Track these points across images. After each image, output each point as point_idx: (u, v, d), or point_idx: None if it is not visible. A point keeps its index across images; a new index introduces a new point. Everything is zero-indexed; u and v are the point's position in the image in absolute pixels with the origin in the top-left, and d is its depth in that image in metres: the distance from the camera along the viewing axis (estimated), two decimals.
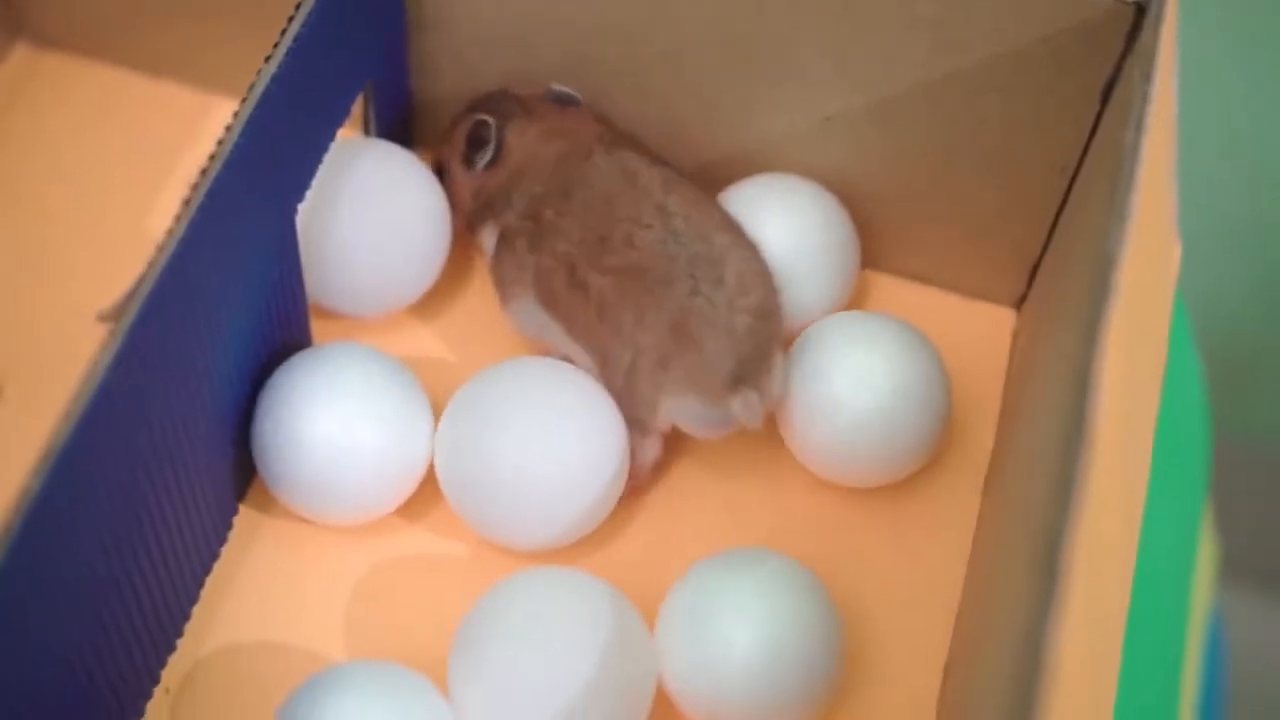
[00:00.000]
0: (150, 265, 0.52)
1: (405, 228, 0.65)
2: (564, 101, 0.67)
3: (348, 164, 0.64)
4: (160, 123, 0.72)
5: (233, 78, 0.72)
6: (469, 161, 0.66)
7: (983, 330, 0.70)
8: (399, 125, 0.70)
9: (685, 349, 0.60)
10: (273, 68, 0.56)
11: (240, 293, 0.58)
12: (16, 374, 0.65)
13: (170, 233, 0.53)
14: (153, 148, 0.72)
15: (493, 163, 0.66)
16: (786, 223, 0.65)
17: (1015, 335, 0.69)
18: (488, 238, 0.66)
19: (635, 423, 0.62)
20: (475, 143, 0.66)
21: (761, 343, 0.60)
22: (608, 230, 0.62)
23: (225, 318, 0.57)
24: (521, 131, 0.65)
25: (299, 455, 0.60)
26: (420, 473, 0.62)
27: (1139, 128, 0.53)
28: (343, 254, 0.64)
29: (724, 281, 0.60)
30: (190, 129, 0.72)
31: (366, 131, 0.68)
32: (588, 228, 0.62)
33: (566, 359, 0.63)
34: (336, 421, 0.60)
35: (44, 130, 0.72)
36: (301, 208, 0.61)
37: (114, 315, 0.66)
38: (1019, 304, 0.70)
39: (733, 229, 0.62)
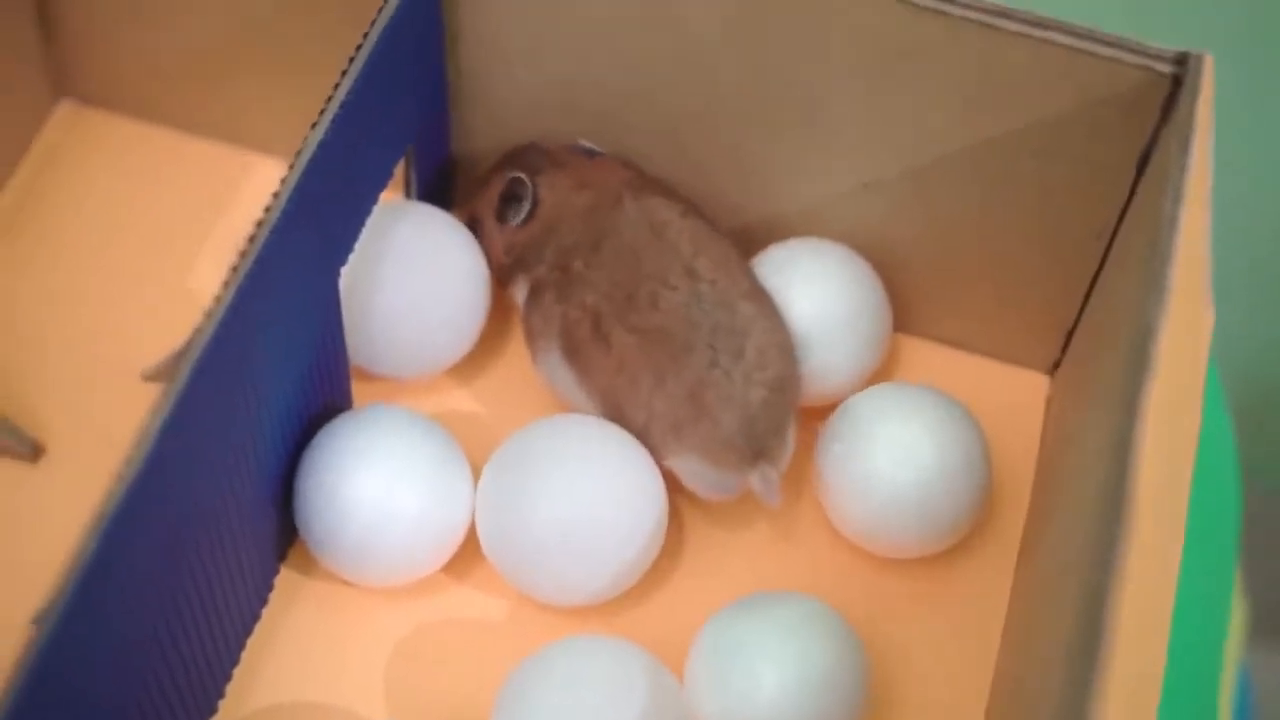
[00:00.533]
0: (199, 331, 0.52)
1: (447, 291, 0.66)
2: (590, 153, 0.67)
3: (389, 227, 0.65)
4: (201, 181, 0.73)
5: (273, 137, 0.73)
6: (503, 217, 0.67)
7: (1016, 395, 0.70)
8: (438, 187, 0.71)
9: (700, 419, 0.61)
10: (319, 134, 0.57)
11: (285, 356, 0.59)
12: (58, 431, 0.66)
13: (218, 299, 0.53)
14: (194, 206, 0.72)
15: (527, 218, 0.66)
16: (819, 289, 0.66)
17: (1049, 401, 0.70)
18: (519, 291, 0.67)
19: None
20: (511, 199, 0.66)
21: (776, 415, 0.61)
22: (635, 287, 0.62)
23: (271, 381, 0.58)
24: (552, 185, 0.66)
25: (340, 517, 0.60)
26: (461, 533, 0.62)
27: (1177, 198, 0.54)
28: (385, 317, 0.65)
29: (744, 355, 0.61)
30: (231, 188, 0.73)
31: (407, 194, 0.69)
32: (615, 282, 0.62)
33: (584, 411, 0.64)
34: (377, 484, 0.60)
35: (86, 188, 0.73)
36: (344, 270, 0.62)
37: (159, 375, 0.67)
38: (1053, 369, 0.70)
39: (758, 296, 0.63)
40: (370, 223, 0.63)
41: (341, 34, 0.62)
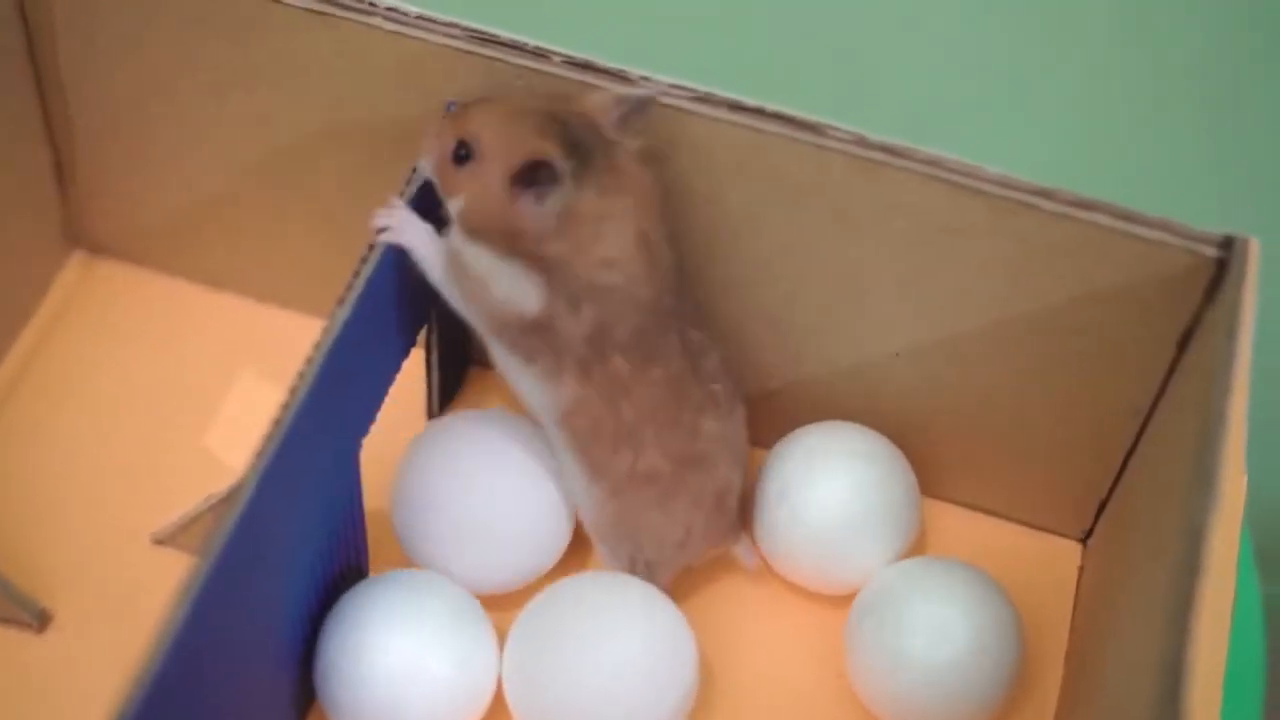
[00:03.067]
0: (227, 502, 0.52)
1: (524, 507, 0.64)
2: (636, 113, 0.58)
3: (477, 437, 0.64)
4: (216, 335, 0.72)
5: (289, 291, 0.72)
6: (522, 183, 0.57)
7: (1048, 563, 0.69)
8: (459, 351, 0.70)
9: (719, 520, 0.64)
10: (345, 311, 0.56)
11: (308, 526, 0.58)
12: (66, 596, 0.64)
13: (244, 480, 0.52)
14: (209, 362, 0.71)
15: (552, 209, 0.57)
16: (848, 481, 0.64)
17: (1081, 570, 0.68)
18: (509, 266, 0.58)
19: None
20: (535, 175, 0.56)
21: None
22: (678, 415, 0.61)
23: (294, 550, 0.57)
24: (609, 210, 0.57)
25: (363, 684, 0.59)
26: (486, 701, 0.61)
27: (1224, 391, 0.53)
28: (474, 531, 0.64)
29: (741, 462, 0.64)
30: (247, 343, 0.72)
31: (428, 355, 0.68)
32: (657, 408, 0.61)
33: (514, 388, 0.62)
34: (401, 650, 0.59)
35: (99, 340, 0.72)
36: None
37: (171, 539, 0.65)
38: (1085, 538, 0.69)
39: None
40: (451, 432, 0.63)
41: (361, 189, 0.61)
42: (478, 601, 0.62)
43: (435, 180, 0.59)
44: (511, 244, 0.57)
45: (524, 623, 0.61)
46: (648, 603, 0.61)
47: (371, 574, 0.64)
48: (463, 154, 0.58)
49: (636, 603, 0.61)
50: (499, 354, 0.61)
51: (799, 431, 0.67)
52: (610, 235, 0.57)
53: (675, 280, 0.60)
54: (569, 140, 0.56)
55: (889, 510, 0.65)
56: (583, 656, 0.59)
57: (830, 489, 0.64)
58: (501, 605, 0.63)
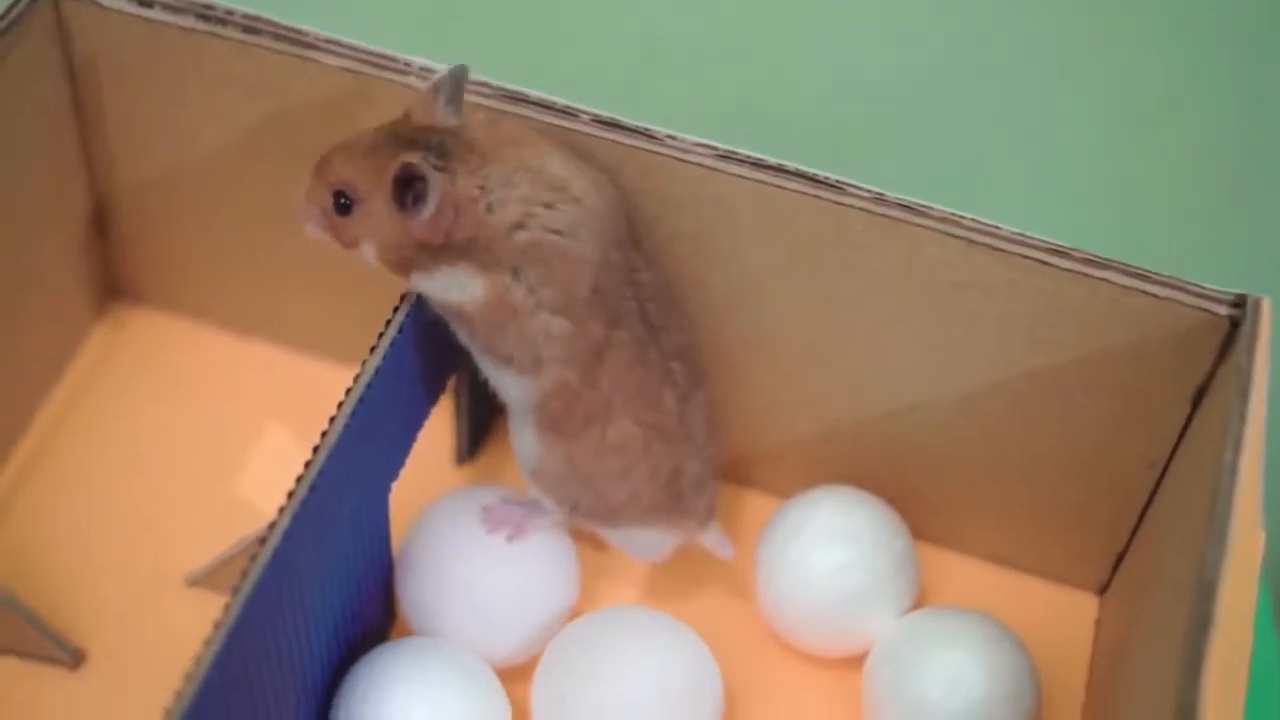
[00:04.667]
0: (260, 543, 0.53)
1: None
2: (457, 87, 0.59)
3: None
4: (251, 383, 0.73)
5: (324, 341, 0.74)
6: (402, 203, 0.58)
7: (1065, 615, 0.69)
8: (487, 397, 0.71)
9: (679, 500, 0.64)
10: (376, 360, 0.57)
11: (339, 568, 0.59)
12: (101, 636, 0.65)
13: (277, 521, 0.53)
14: (243, 409, 0.73)
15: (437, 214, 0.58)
16: (844, 552, 0.65)
17: (1099, 623, 0.69)
18: (447, 275, 0.59)
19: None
20: (411, 187, 0.58)
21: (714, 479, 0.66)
22: (645, 382, 0.61)
23: (325, 593, 0.58)
24: (473, 175, 0.58)
25: None
26: None
27: (1237, 448, 0.54)
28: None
29: (702, 438, 0.64)
30: (281, 391, 0.73)
31: (458, 402, 0.69)
32: (630, 376, 0.61)
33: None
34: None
35: (134, 386, 0.73)
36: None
37: (204, 580, 0.66)
38: (1102, 590, 0.70)
39: (701, 369, 0.65)
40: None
41: None
42: (490, 670, 0.62)
43: (329, 237, 0.60)
44: (432, 256, 0.58)
45: (554, 654, 0.62)
46: (675, 635, 0.63)
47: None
48: (344, 203, 0.59)
49: (664, 636, 0.63)
50: (485, 367, 0.62)
51: (794, 502, 0.67)
52: (501, 201, 0.58)
53: (614, 231, 0.60)
54: (420, 144, 0.58)
55: (896, 571, 0.65)
56: (613, 687, 0.61)
57: (830, 559, 0.65)
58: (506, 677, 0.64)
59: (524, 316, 0.59)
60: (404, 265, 0.59)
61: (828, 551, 0.65)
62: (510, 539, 0.64)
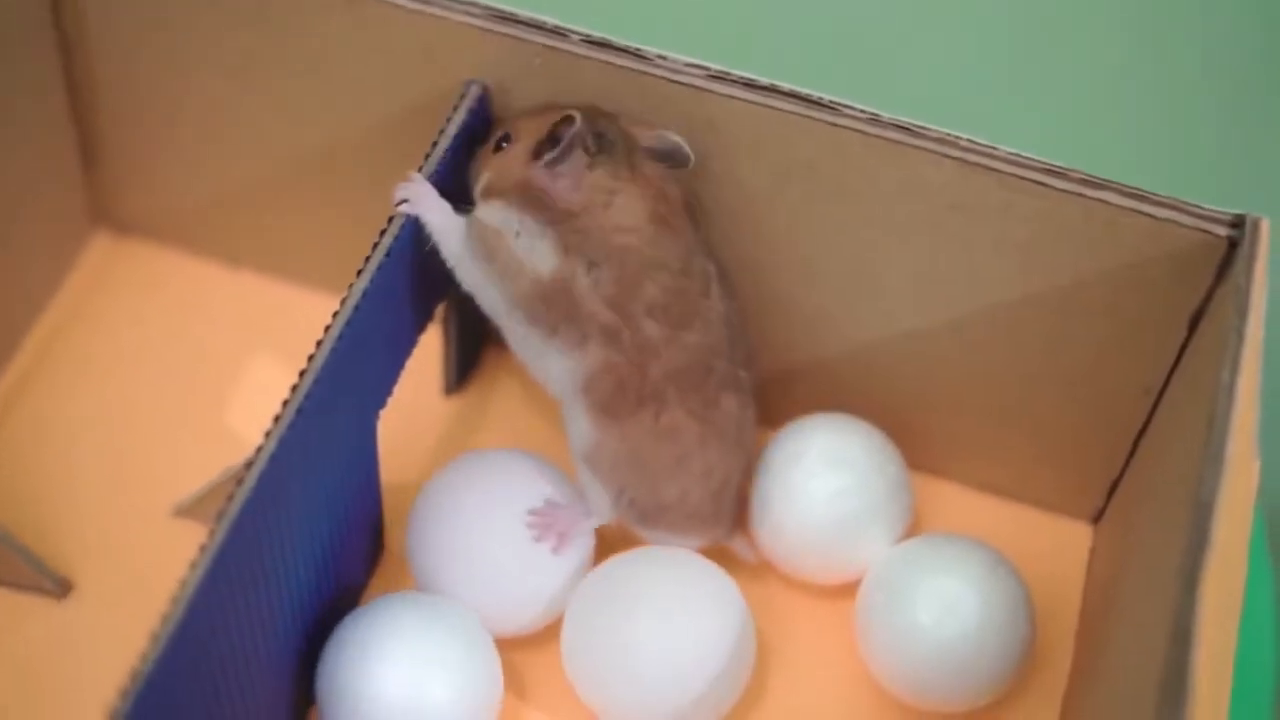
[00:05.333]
0: (244, 471, 0.52)
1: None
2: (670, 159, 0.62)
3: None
4: (239, 314, 0.73)
5: (312, 271, 0.73)
6: (546, 150, 0.60)
7: (1059, 544, 0.69)
8: (476, 328, 0.70)
9: (718, 512, 0.64)
10: (363, 282, 0.57)
11: (326, 496, 0.58)
12: (87, 566, 0.65)
13: (262, 448, 0.53)
14: (231, 340, 0.72)
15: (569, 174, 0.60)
16: (839, 479, 0.65)
17: (1093, 551, 0.69)
18: (526, 234, 0.61)
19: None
20: (557, 136, 0.59)
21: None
22: (703, 381, 0.61)
23: (312, 521, 0.57)
24: (615, 180, 0.60)
25: (366, 710, 0.58)
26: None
27: (1234, 368, 0.53)
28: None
29: (745, 460, 0.65)
30: (269, 322, 0.72)
31: (446, 331, 0.68)
32: (688, 372, 0.61)
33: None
34: (404, 678, 0.58)
35: (122, 318, 0.72)
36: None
37: (191, 511, 0.66)
38: (1096, 519, 0.69)
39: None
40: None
41: (381, 167, 0.62)
42: (478, 620, 0.61)
43: (472, 168, 0.63)
44: (531, 206, 0.60)
45: (588, 589, 0.62)
46: (712, 579, 0.62)
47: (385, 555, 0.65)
48: (502, 144, 0.62)
49: (701, 579, 0.62)
50: (517, 333, 0.61)
51: (788, 430, 0.67)
52: (622, 207, 0.60)
53: (708, 248, 0.62)
54: (596, 124, 0.60)
55: (890, 497, 0.65)
56: (651, 625, 0.60)
57: (827, 486, 0.64)
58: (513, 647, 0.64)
59: (578, 301, 0.60)
60: (499, 195, 0.61)
61: (823, 478, 0.64)
62: (555, 551, 0.62)
